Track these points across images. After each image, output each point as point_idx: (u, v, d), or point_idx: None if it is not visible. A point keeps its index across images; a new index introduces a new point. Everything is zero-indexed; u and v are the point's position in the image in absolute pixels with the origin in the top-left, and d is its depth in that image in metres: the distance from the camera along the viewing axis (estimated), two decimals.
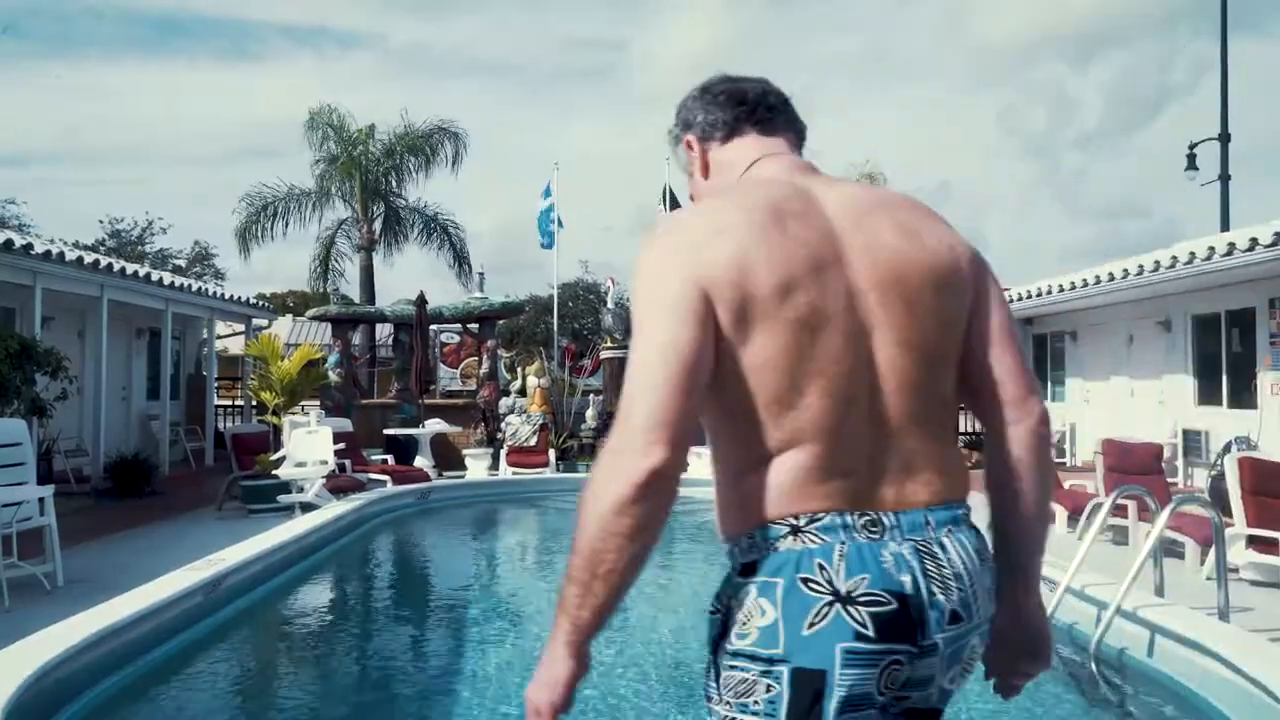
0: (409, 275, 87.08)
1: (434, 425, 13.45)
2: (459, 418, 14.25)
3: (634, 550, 1.31)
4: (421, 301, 14.21)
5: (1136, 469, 8.03)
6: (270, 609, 5.92)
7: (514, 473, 12.29)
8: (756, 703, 1.33)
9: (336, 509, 8.12)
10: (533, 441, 13.10)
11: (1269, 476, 6.50)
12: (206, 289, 14.98)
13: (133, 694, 4.19)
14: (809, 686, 1.30)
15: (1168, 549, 6.50)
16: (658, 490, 1.30)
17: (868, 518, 1.36)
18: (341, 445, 10.32)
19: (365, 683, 4.77)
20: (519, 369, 16.10)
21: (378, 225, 20.72)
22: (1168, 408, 12.42)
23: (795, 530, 1.35)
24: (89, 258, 10.95)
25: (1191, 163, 17.54)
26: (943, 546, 1.39)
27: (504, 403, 14.46)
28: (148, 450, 12.64)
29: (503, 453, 12.96)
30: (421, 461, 12.80)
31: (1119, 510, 7.30)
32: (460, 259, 21.23)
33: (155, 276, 12.62)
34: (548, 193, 17.90)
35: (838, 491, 1.36)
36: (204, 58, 68.89)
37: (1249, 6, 53.26)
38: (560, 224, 17.88)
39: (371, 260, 20.54)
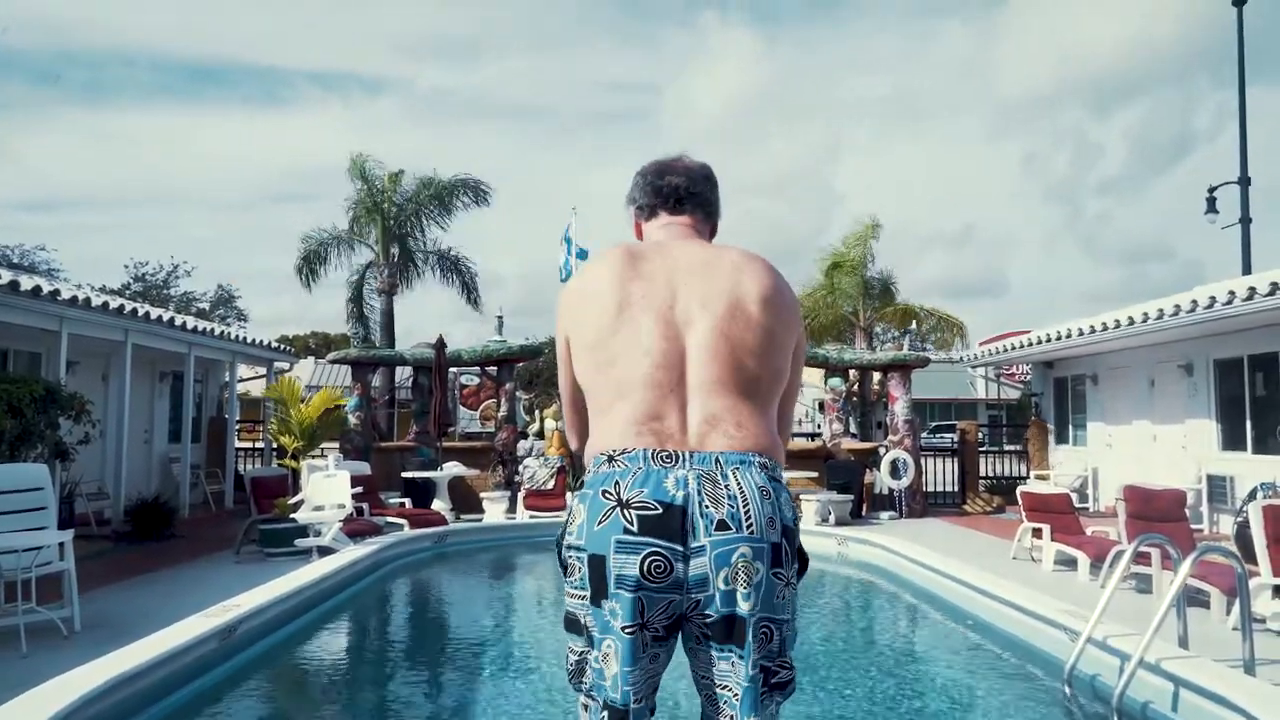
0: (430, 317, 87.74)
1: (451, 468, 13.45)
2: (477, 460, 14.26)
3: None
4: (440, 345, 14.30)
5: (1160, 516, 7.92)
6: (286, 655, 5.90)
7: (531, 516, 12.25)
8: (575, 579, 1.91)
9: (353, 553, 8.12)
10: (550, 484, 13.08)
11: None
12: (229, 333, 15.14)
13: None
14: (598, 567, 1.84)
15: (1193, 598, 6.39)
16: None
17: (665, 453, 1.86)
18: (359, 489, 10.33)
19: None
20: (537, 412, 16.13)
21: (395, 268, 21.04)
22: (1191, 453, 12.28)
23: (611, 459, 1.90)
24: (114, 303, 11.11)
25: (1212, 206, 17.52)
26: (725, 476, 1.85)
27: (522, 445, 14.48)
28: (168, 493, 12.71)
29: (520, 496, 12.94)
30: (439, 504, 12.79)
31: (1142, 558, 7.20)
32: (469, 289, 21.49)
33: (178, 321, 12.78)
34: (566, 239, 18.02)
35: (649, 432, 1.89)
36: (234, 104, 70.39)
37: (1267, 55, 53.39)
38: (569, 268, 18.01)
39: (392, 304, 20.78)
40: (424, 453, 14.36)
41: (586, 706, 1.95)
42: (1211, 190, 17.42)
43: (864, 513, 13.56)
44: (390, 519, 10.73)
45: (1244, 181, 16.58)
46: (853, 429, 15.51)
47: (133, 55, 68.59)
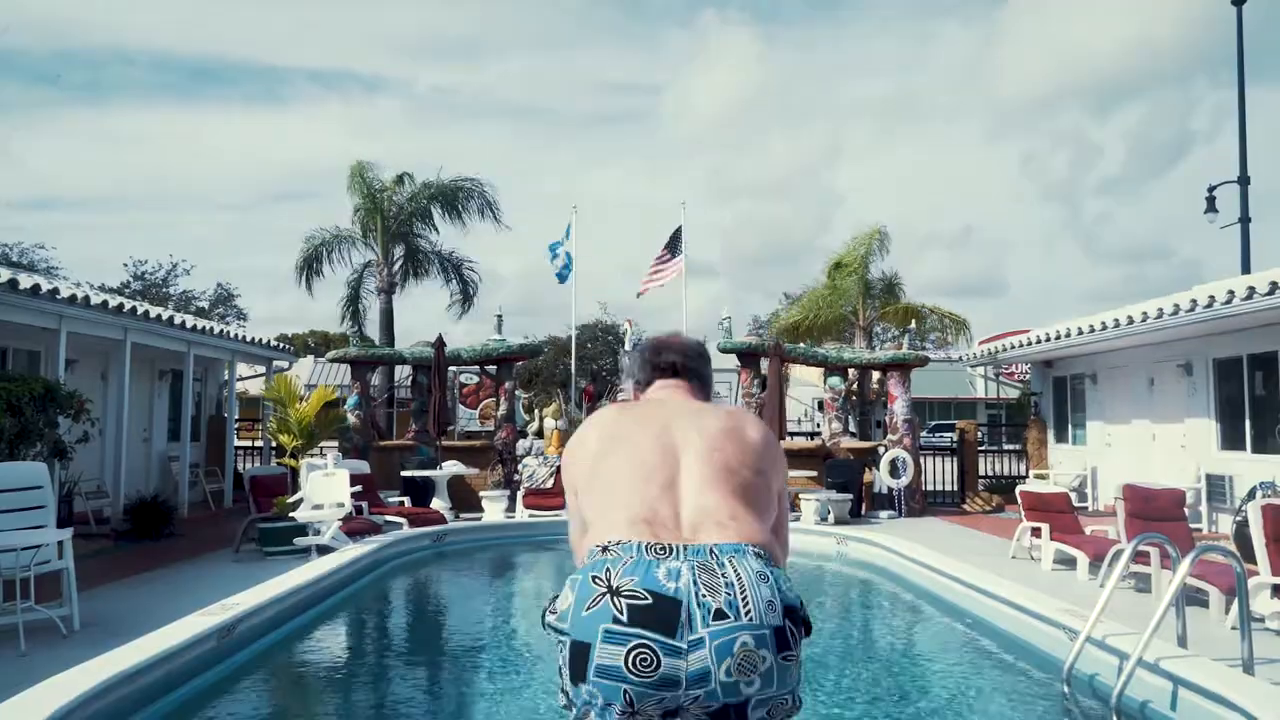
0: (429, 316, 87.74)
1: (451, 467, 13.45)
2: (476, 459, 14.26)
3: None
4: (440, 344, 14.29)
5: (1159, 515, 7.92)
6: (284, 654, 5.90)
7: (530, 515, 12.25)
8: (562, 657, 1.85)
9: (352, 552, 8.12)
10: (549, 483, 13.08)
11: None
12: (228, 331, 15.13)
13: None
14: (580, 654, 1.79)
15: (1191, 598, 6.39)
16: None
17: (660, 545, 1.87)
18: (358, 487, 10.33)
19: None
20: (536, 411, 16.12)
21: (397, 268, 21.10)
22: (1190, 452, 12.28)
23: (604, 549, 1.90)
24: (113, 301, 11.09)
25: (1211, 205, 17.51)
26: (721, 565, 1.83)
27: (521, 444, 14.47)
28: (167, 491, 12.70)
29: (519, 495, 12.94)
30: (438, 503, 12.79)
31: (1141, 557, 7.20)
32: (466, 295, 21.56)
33: (177, 319, 12.76)
34: (567, 234, 18.06)
35: (643, 524, 1.92)
36: (234, 103, 70.37)
37: (1266, 55, 53.43)
38: (567, 266, 18.05)
39: (391, 303, 20.80)
40: (423, 451, 14.35)
41: None
42: (1211, 189, 17.42)
43: (863, 512, 13.56)
44: (389, 518, 10.73)
45: (1243, 181, 16.57)
46: (852, 428, 15.51)
47: (132, 54, 68.59)
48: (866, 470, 13.98)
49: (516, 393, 15.83)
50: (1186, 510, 8.60)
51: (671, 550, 1.85)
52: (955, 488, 16.07)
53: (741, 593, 1.79)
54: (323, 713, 5.07)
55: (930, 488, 15.77)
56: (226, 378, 17.02)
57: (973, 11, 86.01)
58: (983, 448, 17.58)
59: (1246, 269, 15.59)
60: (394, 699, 5.21)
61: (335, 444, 14.36)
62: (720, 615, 1.76)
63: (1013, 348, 16.17)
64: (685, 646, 1.75)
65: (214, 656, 5.06)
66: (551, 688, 5.00)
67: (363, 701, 5.20)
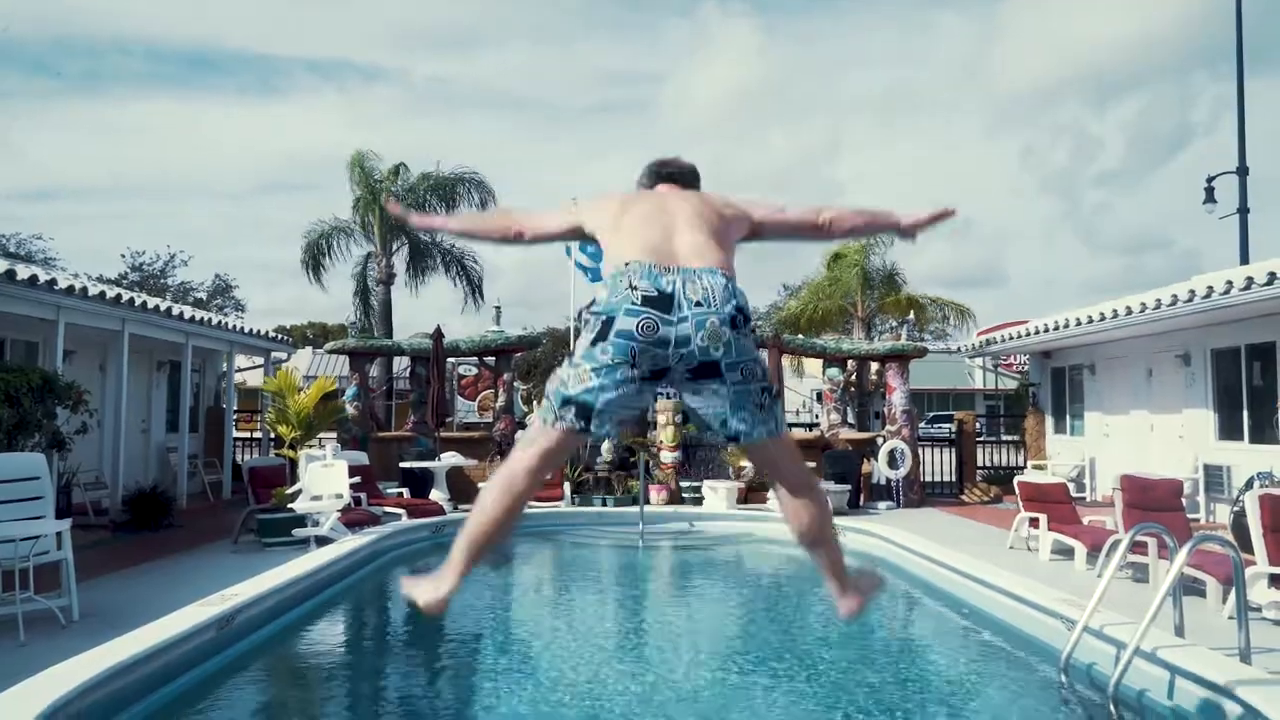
0: (430, 309, 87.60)
1: (449, 458, 13.46)
2: (475, 451, 14.26)
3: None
4: (438, 335, 14.28)
5: (1156, 505, 7.93)
6: (283, 645, 5.90)
7: (528, 506, 12.24)
8: (591, 329, 2.67)
9: (351, 543, 8.12)
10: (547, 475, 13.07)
11: None
12: (226, 323, 15.11)
13: None
14: (607, 323, 2.63)
15: (1189, 587, 6.40)
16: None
17: (662, 264, 2.70)
18: (357, 479, 10.33)
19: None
20: (535, 402, 16.12)
21: (397, 260, 21.06)
22: (1188, 442, 12.29)
23: (626, 264, 2.71)
24: (111, 292, 11.07)
25: (1210, 196, 17.49)
26: (700, 276, 2.68)
27: (520, 436, 14.47)
28: (165, 483, 12.70)
29: None
30: (437, 495, 12.80)
31: (1138, 547, 7.21)
32: (474, 288, 21.48)
33: (175, 310, 12.74)
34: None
35: (651, 255, 2.73)
36: (230, 93, 70.18)
37: (1266, 47, 53.33)
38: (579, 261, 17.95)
39: (389, 294, 20.78)
40: (422, 443, 14.36)
41: (545, 420, 2.77)
42: (1210, 180, 17.40)
43: (861, 503, 13.58)
44: (388, 509, 10.73)
45: (1242, 171, 16.55)
46: (850, 419, 15.52)
47: (129, 44, 68.37)
48: (865, 461, 14.00)
49: (515, 384, 15.83)
50: (1184, 500, 8.61)
51: (670, 269, 2.69)
52: (953, 478, 16.09)
53: (713, 294, 2.66)
54: (321, 703, 5.08)
55: (928, 478, 15.79)
56: (225, 369, 17.01)
57: (972, 6, 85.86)
58: (981, 438, 17.62)
59: (1245, 259, 15.59)
60: (392, 689, 5.23)
61: (334, 435, 14.36)
62: (698, 305, 2.63)
63: (1011, 339, 16.17)
64: (675, 320, 2.62)
65: (213, 647, 5.06)
66: (547, 681, 5.02)
67: (361, 692, 5.21)
